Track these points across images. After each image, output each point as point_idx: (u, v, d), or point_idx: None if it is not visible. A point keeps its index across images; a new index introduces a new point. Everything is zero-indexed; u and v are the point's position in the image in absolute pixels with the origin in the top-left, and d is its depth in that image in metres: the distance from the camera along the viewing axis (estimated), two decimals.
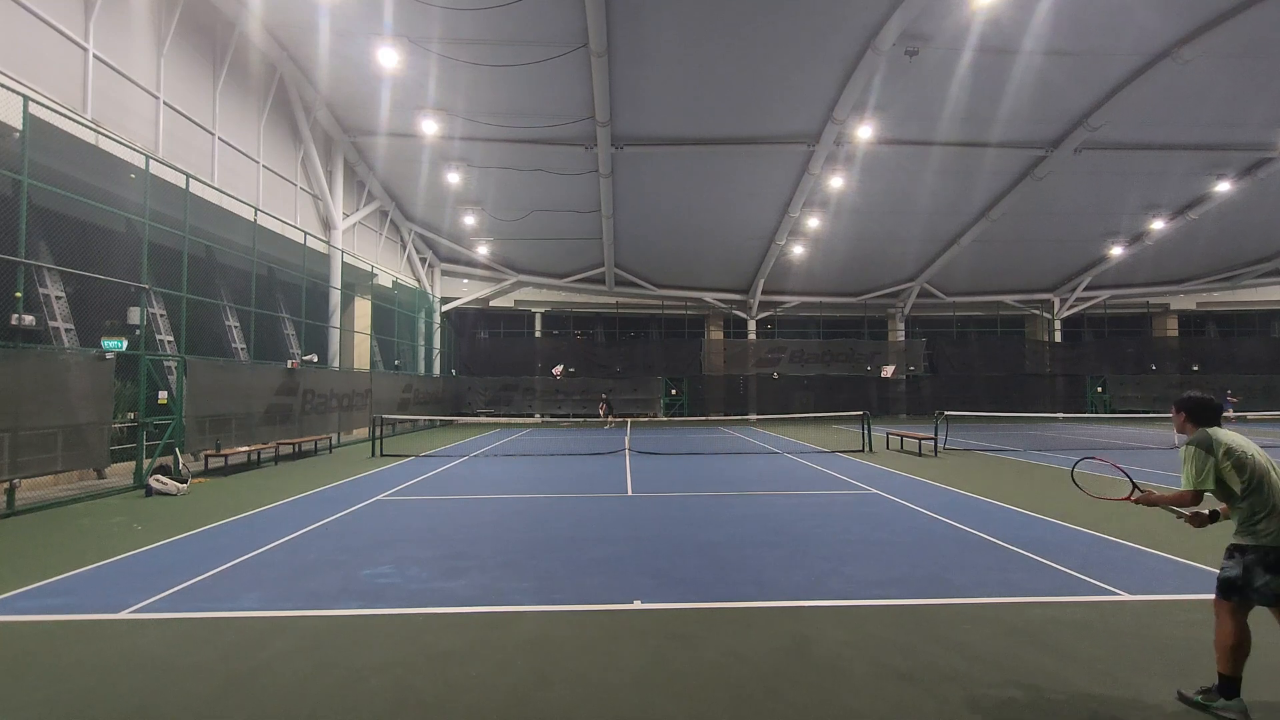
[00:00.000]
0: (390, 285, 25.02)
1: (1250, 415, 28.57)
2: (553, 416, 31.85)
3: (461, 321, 33.34)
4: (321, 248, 19.92)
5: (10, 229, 8.99)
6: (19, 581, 5.75)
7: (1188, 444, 3.65)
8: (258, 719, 3.44)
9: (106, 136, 11.55)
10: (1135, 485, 3.93)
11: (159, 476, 10.44)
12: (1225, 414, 3.87)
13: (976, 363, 34.45)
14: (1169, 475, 11.97)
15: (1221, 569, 3.54)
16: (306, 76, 18.14)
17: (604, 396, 30.41)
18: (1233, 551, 3.51)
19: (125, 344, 11.69)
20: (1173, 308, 35.63)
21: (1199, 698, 3.51)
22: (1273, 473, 3.48)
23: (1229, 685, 3.45)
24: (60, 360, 10.03)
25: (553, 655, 4.17)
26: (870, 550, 6.77)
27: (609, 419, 28.68)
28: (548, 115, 19.51)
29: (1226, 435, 3.61)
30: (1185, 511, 3.66)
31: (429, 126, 19.37)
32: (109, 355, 10.59)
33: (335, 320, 20.87)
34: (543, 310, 33.55)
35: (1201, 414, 3.76)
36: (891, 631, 4.51)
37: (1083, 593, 5.32)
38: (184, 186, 12.84)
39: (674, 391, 32.41)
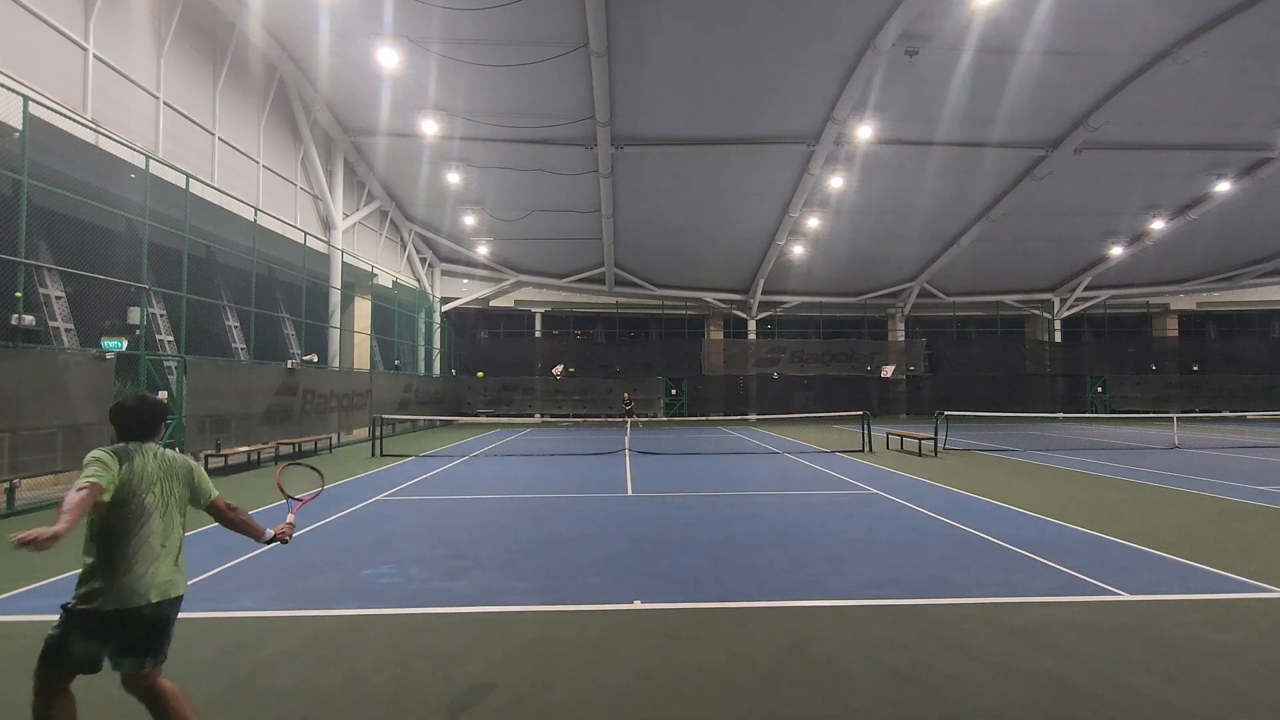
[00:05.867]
0: (390, 285, 25.01)
1: (1250, 415, 28.61)
2: (553, 416, 31.84)
3: (462, 321, 33.35)
4: (321, 248, 19.91)
5: (10, 229, 8.99)
6: (19, 581, 5.74)
7: None
8: (257, 719, 3.44)
9: (106, 136, 11.54)
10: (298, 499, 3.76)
11: None
12: None
13: (976, 363, 34.41)
14: (1168, 475, 12.02)
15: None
16: (306, 76, 18.13)
17: (627, 395, 30.41)
18: None
19: (125, 344, 11.68)
20: (1173, 308, 35.58)
21: None
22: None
23: None
24: (60, 360, 10.02)
25: (553, 655, 4.17)
26: (870, 550, 6.77)
27: (633, 416, 28.70)
28: (548, 115, 19.50)
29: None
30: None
31: (429, 126, 19.36)
32: (109, 355, 10.57)
33: (335, 320, 20.86)
34: (543, 310, 33.53)
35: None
36: (891, 631, 4.51)
37: (1083, 593, 5.31)
38: (184, 186, 12.84)
39: (674, 391, 32.40)
